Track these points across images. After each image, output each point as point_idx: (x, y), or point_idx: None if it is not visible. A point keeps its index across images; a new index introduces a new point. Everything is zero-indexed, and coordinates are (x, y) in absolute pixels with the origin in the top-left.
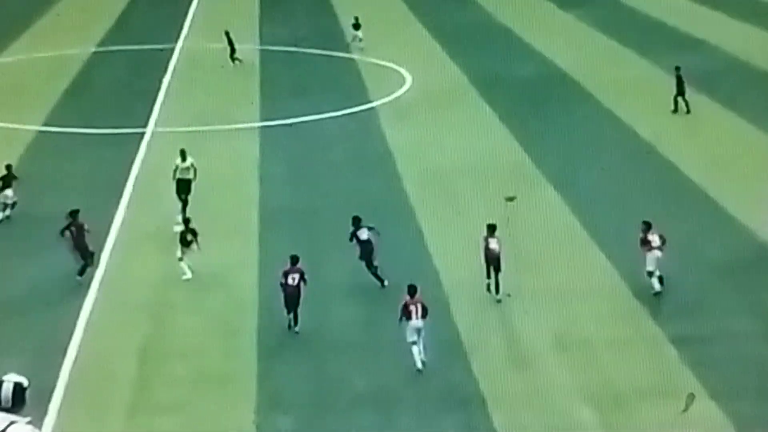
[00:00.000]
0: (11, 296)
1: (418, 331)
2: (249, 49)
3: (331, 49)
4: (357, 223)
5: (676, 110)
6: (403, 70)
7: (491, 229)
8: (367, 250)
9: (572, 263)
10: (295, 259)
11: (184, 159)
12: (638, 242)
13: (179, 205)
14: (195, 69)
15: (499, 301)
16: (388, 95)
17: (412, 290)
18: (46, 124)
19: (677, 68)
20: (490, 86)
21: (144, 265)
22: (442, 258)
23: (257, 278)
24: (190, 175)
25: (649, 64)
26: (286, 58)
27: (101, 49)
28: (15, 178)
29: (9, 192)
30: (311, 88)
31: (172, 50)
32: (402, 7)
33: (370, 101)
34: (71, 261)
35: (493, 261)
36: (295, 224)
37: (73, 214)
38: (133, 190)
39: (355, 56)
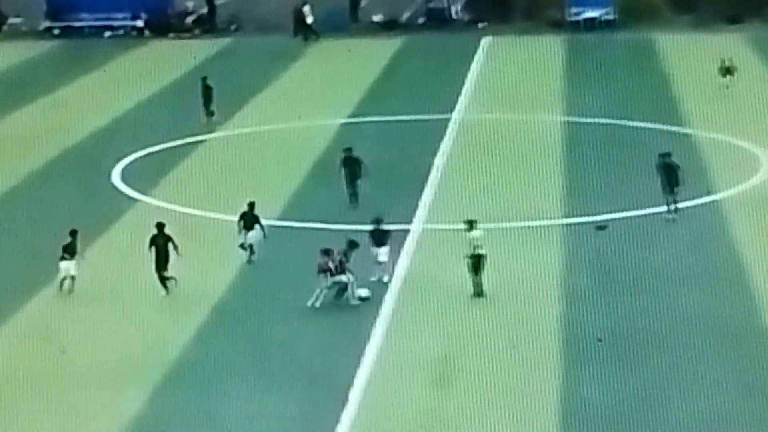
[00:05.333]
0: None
1: None
2: (550, 121)
3: (661, 122)
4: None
5: None
6: (758, 151)
7: None
8: None
9: None
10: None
11: (471, 227)
12: None
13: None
14: (476, 147)
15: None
16: (736, 184)
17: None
18: (281, 218)
19: None
20: None
21: None
22: None
23: None
24: (483, 249)
25: None
26: (600, 133)
27: (354, 120)
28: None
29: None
30: (631, 175)
31: (445, 123)
32: (754, 60)
33: (711, 191)
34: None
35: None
36: (612, 358)
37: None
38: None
39: (691, 131)
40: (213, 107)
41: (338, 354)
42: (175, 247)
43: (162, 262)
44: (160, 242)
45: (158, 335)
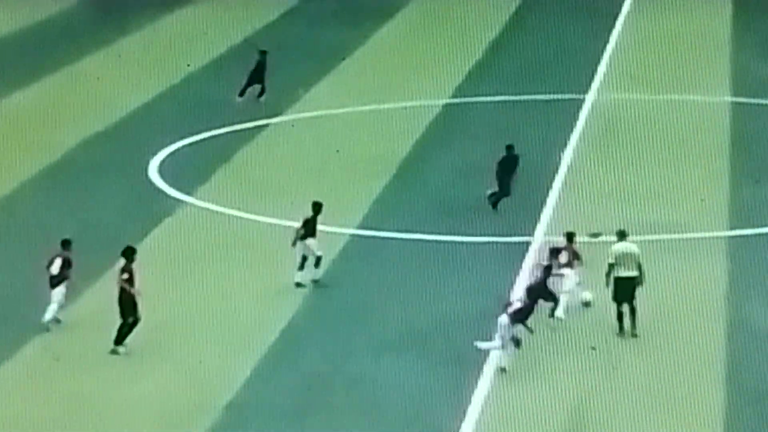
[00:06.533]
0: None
1: None
2: (713, 102)
3: None
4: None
5: None
6: None
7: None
8: None
9: None
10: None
11: (622, 237)
12: None
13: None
14: (617, 136)
15: None
16: None
17: None
18: (361, 226)
19: None
20: None
21: None
22: None
23: None
24: (634, 271)
25: None
26: None
27: (459, 100)
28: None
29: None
30: None
31: (578, 105)
32: None
33: None
34: None
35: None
36: None
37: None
38: None
39: None
40: (249, 89)
41: (437, 402)
42: (129, 291)
43: (127, 306)
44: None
45: (208, 373)
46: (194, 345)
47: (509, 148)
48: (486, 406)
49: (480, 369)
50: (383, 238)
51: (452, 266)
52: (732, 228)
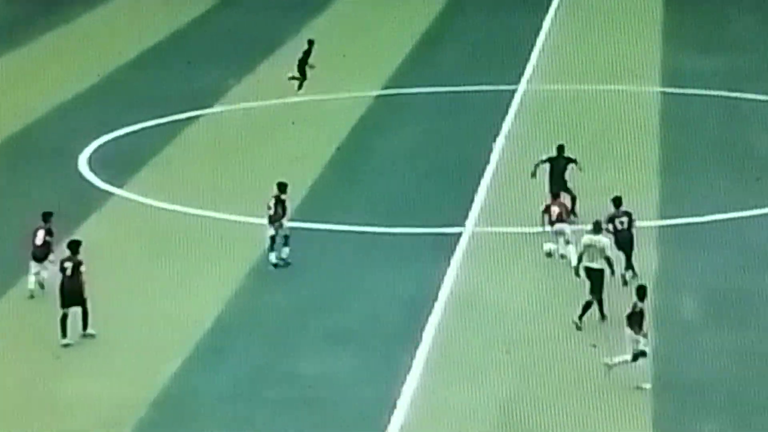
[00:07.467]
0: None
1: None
2: (643, 92)
3: None
4: None
5: None
6: None
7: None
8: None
9: None
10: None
11: (594, 228)
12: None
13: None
14: (548, 127)
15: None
16: None
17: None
18: (293, 218)
19: None
20: None
21: None
22: None
23: None
24: (598, 263)
25: None
26: (709, 107)
27: (390, 91)
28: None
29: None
30: (753, 163)
31: (509, 96)
32: None
33: None
34: None
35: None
36: (714, 411)
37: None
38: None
39: None
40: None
41: (368, 395)
42: (79, 283)
43: (67, 297)
44: (69, 271)
45: (138, 368)
46: (124, 339)
47: (560, 148)
48: (416, 400)
49: (411, 362)
50: (316, 230)
51: (385, 258)
52: (661, 218)
